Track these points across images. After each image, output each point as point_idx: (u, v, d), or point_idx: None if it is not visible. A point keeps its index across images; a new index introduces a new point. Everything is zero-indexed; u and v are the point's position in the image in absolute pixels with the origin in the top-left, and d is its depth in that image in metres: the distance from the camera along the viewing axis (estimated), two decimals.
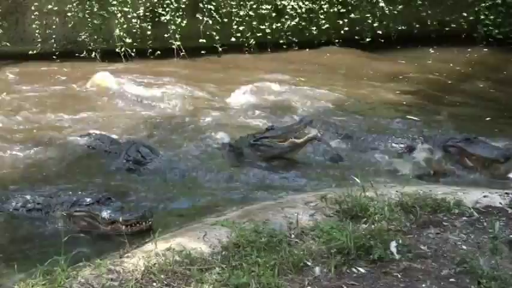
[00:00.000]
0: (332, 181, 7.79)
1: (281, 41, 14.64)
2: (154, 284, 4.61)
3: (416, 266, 4.86)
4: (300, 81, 12.53)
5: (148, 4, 14.12)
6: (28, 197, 7.22)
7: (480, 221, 5.59)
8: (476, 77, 13.24)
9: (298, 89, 12.08)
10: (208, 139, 9.64)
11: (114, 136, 9.67)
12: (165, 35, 14.11)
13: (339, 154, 8.96)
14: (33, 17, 13.86)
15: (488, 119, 10.67)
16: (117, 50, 13.88)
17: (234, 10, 14.40)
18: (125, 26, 13.95)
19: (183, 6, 14.15)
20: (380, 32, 14.84)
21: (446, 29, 15.05)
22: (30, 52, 13.76)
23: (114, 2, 13.91)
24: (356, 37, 14.88)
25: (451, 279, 4.70)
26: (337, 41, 14.80)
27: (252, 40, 14.51)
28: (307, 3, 14.58)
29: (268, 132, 8.88)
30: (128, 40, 13.93)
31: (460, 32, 14.99)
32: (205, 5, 14.25)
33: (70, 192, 7.19)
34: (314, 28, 14.65)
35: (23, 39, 14.02)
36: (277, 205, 6.12)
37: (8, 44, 13.83)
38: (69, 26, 14.02)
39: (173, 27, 14.09)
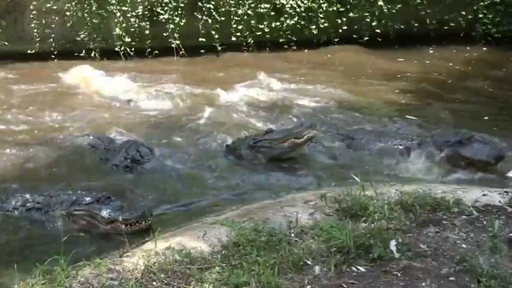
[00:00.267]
0: (331, 180, 7.79)
1: (280, 40, 14.63)
2: (154, 283, 4.62)
3: (416, 265, 4.86)
4: (299, 80, 12.51)
5: (147, 3, 14.11)
6: (28, 196, 7.22)
7: (479, 219, 5.60)
8: (475, 75, 13.23)
9: (298, 87, 12.08)
10: (207, 138, 9.64)
11: (112, 135, 9.68)
12: (164, 34, 14.10)
13: (337, 154, 8.97)
14: (31, 16, 13.85)
15: (486, 117, 10.67)
16: (116, 49, 13.87)
17: (232, 9, 14.40)
18: (124, 25, 13.94)
19: (182, 5, 14.15)
20: (379, 31, 14.83)
21: (445, 27, 15.05)
22: (29, 51, 13.75)
23: (113, 1, 13.91)
24: (354, 36, 14.87)
25: (450, 278, 4.70)
26: (336, 40, 14.78)
27: (251, 39, 14.50)
28: (306, 2, 14.57)
29: (267, 134, 8.89)
30: (127, 39, 13.92)
31: (458, 31, 14.99)
32: (204, 4, 14.24)
33: (70, 192, 7.19)
34: (314, 27, 14.64)
35: (21, 39, 14.00)
36: (277, 204, 6.13)
37: (6, 43, 13.81)
38: (68, 25, 14.00)
39: (172, 26, 14.09)
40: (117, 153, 8.63)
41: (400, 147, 8.95)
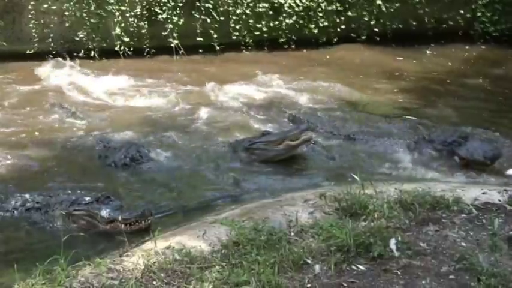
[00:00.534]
0: (331, 179, 7.80)
1: (279, 39, 14.61)
2: (154, 282, 4.62)
3: (416, 263, 4.87)
4: (298, 79, 12.50)
5: (145, 3, 14.10)
6: (27, 196, 7.22)
7: (479, 218, 5.60)
8: (473, 74, 13.23)
9: (296, 87, 12.06)
10: (206, 138, 9.64)
11: (110, 135, 9.68)
12: (163, 34, 14.09)
13: (337, 153, 8.98)
14: (30, 16, 13.81)
15: (485, 116, 10.69)
16: (116, 48, 13.86)
17: (231, 8, 14.38)
18: (122, 24, 13.93)
19: (181, 4, 14.13)
20: (377, 30, 14.83)
21: (444, 26, 15.05)
22: (28, 52, 13.73)
23: (112, 1, 13.88)
24: (353, 35, 14.87)
25: (450, 276, 4.71)
26: (335, 39, 14.77)
27: (250, 38, 14.49)
28: (304, 1, 14.57)
29: (264, 136, 8.90)
30: (126, 39, 13.91)
31: (457, 30, 14.98)
32: (203, 4, 14.23)
33: (69, 191, 7.19)
34: (313, 26, 14.63)
35: (20, 39, 13.96)
36: (276, 203, 6.13)
37: (4, 43, 13.79)
38: (67, 25, 13.98)
39: (170, 26, 14.08)
40: (117, 152, 8.65)
41: (399, 146, 8.97)
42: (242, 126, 10.10)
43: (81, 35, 13.95)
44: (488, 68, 13.63)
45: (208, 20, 14.24)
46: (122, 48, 13.92)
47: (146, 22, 14.10)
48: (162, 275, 4.67)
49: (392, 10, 14.82)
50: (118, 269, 4.74)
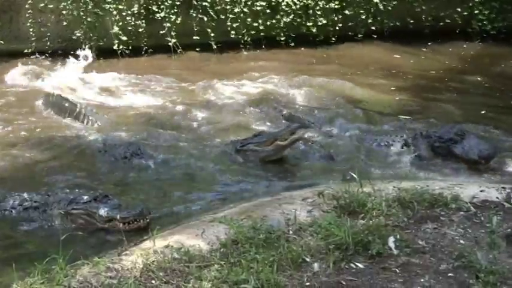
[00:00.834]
0: (329, 178, 7.81)
1: (277, 38, 14.61)
2: (153, 281, 4.61)
3: (415, 261, 4.87)
4: (296, 77, 12.49)
5: (142, 1, 14.08)
6: (25, 195, 7.21)
7: (477, 215, 5.60)
8: (471, 71, 13.23)
9: (294, 84, 12.06)
10: (204, 137, 9.66)
11: (110, 133, 9.67)
12: (160, 32, 14.09)
13: (334, 151, 8.99)
14: (27, 15, 13.79)
15: (483, 113, 10.70)
16: (114, 47, 13.84)
17: (228, 7, 14.38)
18: (120, 23, 13.91)
19: (178, 3, 14.12)
20: (374, 28, 14.84)
21: (441, 24, 15.05)
22: (25, 51, 13.71)
23: (109, 0, 13.87)
24: (350, 33, 14.87)
25: (449, 274, 4.70)
26: (333, 38, 14.77)
27: (247, 37, 14.48)
28: None
29: (255, 138, 8.93)
30: (123, 38, 13.90)
31: (454, 28, 14.98)
32: (200, 2, 14.22)
33: (67, 190, 7.19)
34: (311, 24, 14.62)
35: (17, 38, 13.96)
36: (275, 202, 6.13)
37: (2, 42, 13.77)
38: (64, 24, 13.97)
39: (168, 24, 14.07)
40: (117, 148, 8.67)
41: (397, 143, 8.98)
42: (240, 124, 10.11)
43: (79, 34, 13.94)
44: (486, 65, 13.63)
45: (206, 19, 14.24)
46: (120, 47, 13.91)
47: (144, 21, 14.09)
48: (161, 273, 4.66)
49: (390, 8, 14.81)
50: (117, 268, 4.73)
